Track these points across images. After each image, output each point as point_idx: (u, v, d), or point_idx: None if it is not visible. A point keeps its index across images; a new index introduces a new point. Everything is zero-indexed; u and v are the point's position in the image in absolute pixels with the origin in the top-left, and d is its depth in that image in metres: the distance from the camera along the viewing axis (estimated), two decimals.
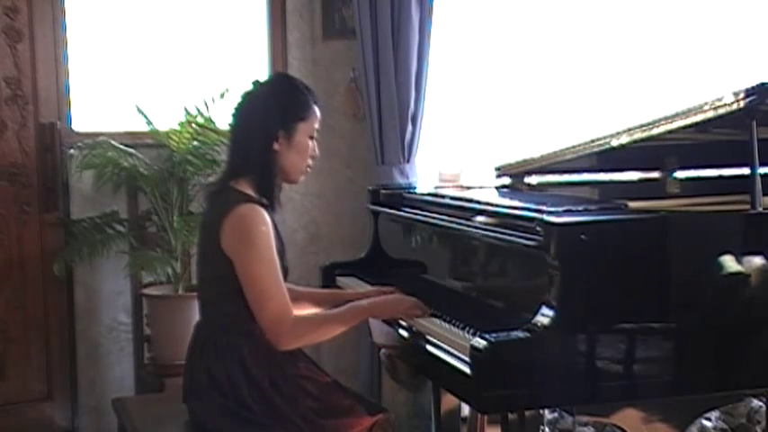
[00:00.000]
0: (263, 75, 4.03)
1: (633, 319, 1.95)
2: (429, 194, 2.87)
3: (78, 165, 3.61)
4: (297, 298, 2.50)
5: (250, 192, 2.35)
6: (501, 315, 2.15)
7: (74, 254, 3.63)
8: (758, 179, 2.10)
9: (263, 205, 2.32)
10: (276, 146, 2.35)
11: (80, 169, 3.62)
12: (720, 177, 2.71)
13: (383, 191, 3.05)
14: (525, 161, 2.75)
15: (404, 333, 2.39)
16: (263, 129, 2.35)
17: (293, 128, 2.37)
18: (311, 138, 2.42)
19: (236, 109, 2.43)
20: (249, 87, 2.44)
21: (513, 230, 2.11)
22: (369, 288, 2.69)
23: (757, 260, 2.03)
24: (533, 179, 2.84)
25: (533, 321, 1.90)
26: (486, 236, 2.25)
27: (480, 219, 2.34)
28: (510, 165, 2.85)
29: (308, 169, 2.45)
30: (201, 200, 3.72)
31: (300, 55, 4.06)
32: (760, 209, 2.08)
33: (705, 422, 3.27)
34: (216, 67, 3.95)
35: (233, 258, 2.27)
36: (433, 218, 2.57)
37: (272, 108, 2.35)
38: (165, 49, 3.91)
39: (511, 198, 2.70)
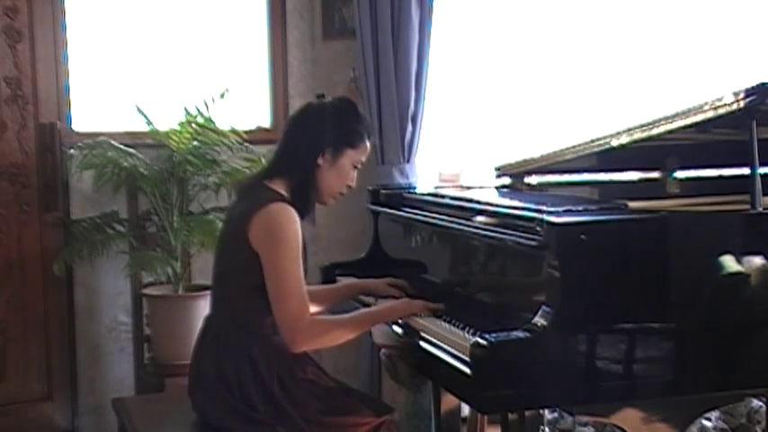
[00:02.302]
0: (263, 75, 4.06)
1: (633, 318, 1.95)
2: (429, 194, 2.87)
3: (78, 165, 3.61)
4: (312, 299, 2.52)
5: (283, 192, 2.36)
6: (501, 315, 2.15)
7: (74, 254, 3.63)
8: (758, 179, 2.10)
9: (294, 207, 2.33)
10: (320, 161, 2.38)
11: (80, 169, 3.62)
12: (720, 177, 2.71)
13: (383, 191, 3.06)
14: (525, 161, 2.75)
15: (404, 333, 2.39)
16: (315, 140, 2.39)
17: (342, 150, 2.40)
18: (354, 167, 2.45)
19: (295, 115, 2.49)
20: (315, 100, 2.50)
21: (513, 230, 2.12)
22: (380, 280, 2.69)
23: (757, 260, 2.03)
24: (533, 179, 2.84)
25: (533, 321, 1.90)
26: (486, 236, 2.25)
27: (480, 219, 2.34)
28: (510, 165, 2.85)
29: (341, 195, 2.48)
30: (202, 200, 3.73)
31: (300, 55, 4.06)
32: (760, 209, 2.08)
33: (705, 422, 3.27)
34: (216, 67, 3.96)
35: (260, 253, 2.28)
36: (433, 218, 2.57)
37: (329, 125, 2.40)
38: (165, 49, 3.91)
39: (511, 198, 2.70)
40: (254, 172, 2.57)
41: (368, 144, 2.46)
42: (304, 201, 2.38)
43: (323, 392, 2.35)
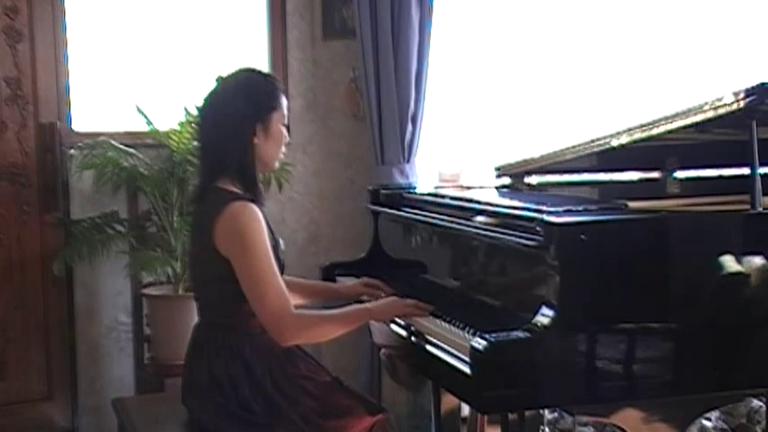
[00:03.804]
0: None
1: (633, 318, 1.95)
2: (429, 194, 2.87)
3: (78, 165, 3.61)
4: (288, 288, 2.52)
5: (235, 189, 2.34)
6: (501, 315, 2.15)
7: (74, 254, 3.62)
8: (758, 179, 2.10)
9: (252, 201, 2.32)
10: (255, 140, 2.35)
11: (80, 169, 3.62)
12: (720, 177, 2.71)
13: (383, 191, 3.05)
14: (525, 161, 2.75)
15: (403, 333, 2.39)
16: (240, 127, 2.33)
17: (268, 119, 2.36)
18: (284, 125, 2.42)
19: (205, 109, 2.42)
20: (214, 86, 2.41)
21: (513, 230, 2.12)
22: (356, 281, 2.72)
23: (757, 260, 2.03)
24: (533, 179, 2.84)
25: (533, 321, 1.90)
26: (486, 236, 2.25)
27: (480, 219, 2.34)
28: (510, 165, 2.85)
29: (282, 156, 2.46)
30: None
31: (300, 55, 4.06)
32: (760, 209, 2.09)
33: (705, 422, 3.27)
34: (216, 67, 3.94)
35: (230, 257, 2.26)
36: (433, 218, 2.57)
37: (244, 104, 2.33)
38: (165, 49, 3.91)
39: (511, 198, 2.70)
40: (199, 179, 2.50)
41: (284, 97, 2.42)
42: (255, 186, 2.35)
43: (317, 389, 2.35)
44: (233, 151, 2.33)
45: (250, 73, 2.43)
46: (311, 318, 2.34)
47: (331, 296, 2.71)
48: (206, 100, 2.41)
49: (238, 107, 2.33)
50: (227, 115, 2.34)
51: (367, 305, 2.45)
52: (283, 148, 2.44)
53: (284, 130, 2.42)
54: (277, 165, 2.48)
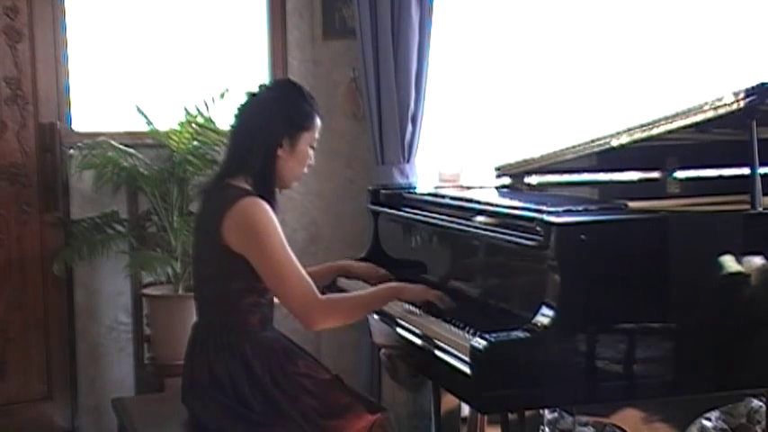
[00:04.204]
0: (263, 75, 4.06)
1: (633, 319, 1.95)
2: (429, 194, 2.87)
3: (78, 165, 3.61)
4: None
5: (247, 187, 2.36)
6: (501, 315, 2.15)
7: (74, 254, 3.63)
8: (758, 179, 2.10)
9: (261, 197, 2.33)
10: (280, 152, 2.37)
11: (80, 169, 3.62)
12: (720, 177, 2.72)
13: (383, 191, 3.05)
14: (525, 161, 2.75)
15: (404, 333, 2.39)
16: (269, 134, 2.36)
17: (297, 136, 2.39)
18: (311, 147, 2.44)
19: (240, 110, 2.45)
20: (255, 90, 2.45)
21: (513, 230, 2.12)
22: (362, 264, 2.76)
23: (757, 260, 2.03)
24: (533, 179, 2.84)
25: (533, 321, 1.90)
26: (486, 236, 2.25)
27: (480, 219, 2.34)
28: (510, 165, 2.85)
29: (302, 176, 2.49)
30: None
31: (300, 55, 4.06)
32: (760, 209, 2.09)
33: (705, 422, 3.27)
34: (216, 67, 3.95)
35: (244, 253, 2.27)
36: (433, 218, 2.57)
37: (278, 115, 2.37)
38: (165, 49, 3.91)
39: (511, 198, 2.70)
40: (213, 174, 2.53)
41: (319, 121, 2.45)
42: (268, 192, 2.37)
43: (317, 387, 2.35)
44: (256, 152, 2.36)
45: (292, 87, 2.48)
46: (338, 300, 2.38)
47: (337, 272, 2.76)
48: (244, 102, 2.45)
49: (271, 116, 2.37)
50: (259, 120, 2.38)
51: (393, 283, 2.45)
52: (305, 169, 2.46)
53: (311, 152, 2.44)
54: (295, 184, 2.50)
